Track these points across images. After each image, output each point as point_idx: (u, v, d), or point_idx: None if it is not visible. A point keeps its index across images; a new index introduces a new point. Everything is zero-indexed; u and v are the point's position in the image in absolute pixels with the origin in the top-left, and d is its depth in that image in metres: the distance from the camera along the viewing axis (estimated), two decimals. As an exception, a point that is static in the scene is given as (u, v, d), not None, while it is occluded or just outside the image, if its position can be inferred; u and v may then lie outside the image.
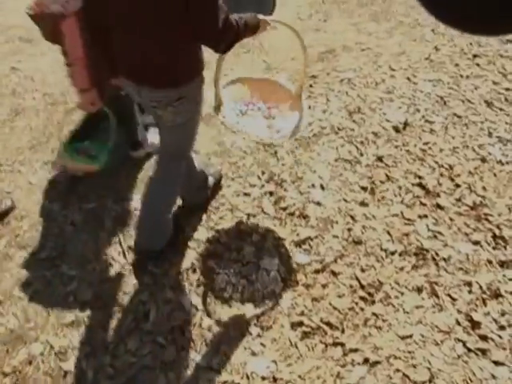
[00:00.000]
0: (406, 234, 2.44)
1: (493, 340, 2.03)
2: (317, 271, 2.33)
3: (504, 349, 2.00)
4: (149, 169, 2.87)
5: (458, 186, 2.63)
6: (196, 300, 2.25)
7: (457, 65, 3.45)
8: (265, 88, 2.35)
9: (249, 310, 2.21)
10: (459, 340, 2.05)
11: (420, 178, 2.69)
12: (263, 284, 2.30)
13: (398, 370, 1.98)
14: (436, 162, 2.76)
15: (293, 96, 2.31)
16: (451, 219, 2.48)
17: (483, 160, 2.75)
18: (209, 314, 2.21)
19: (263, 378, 2.00)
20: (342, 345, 2.07)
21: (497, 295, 2.17)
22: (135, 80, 1.91)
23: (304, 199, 2.65)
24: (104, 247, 2.51)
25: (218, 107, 2.16)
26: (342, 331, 2.11)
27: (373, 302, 2.20)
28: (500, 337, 2.03)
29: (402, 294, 2.21)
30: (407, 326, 2.11)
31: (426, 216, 2.51)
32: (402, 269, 2.30)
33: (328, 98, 3.28)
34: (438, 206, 2.55)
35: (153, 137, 2.84)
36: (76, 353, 2.12)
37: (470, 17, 0.54)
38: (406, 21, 3.96)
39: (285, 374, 2.00)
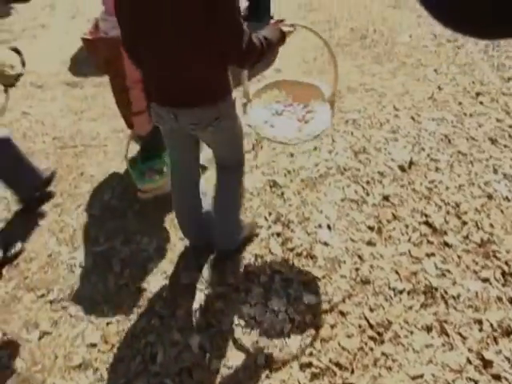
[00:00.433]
0: (414, 273, 2.48)
1: (506, 379, 2.03)
2: (325, 311, 2.36)
3: (517, 388, 2.01)
4: (156, 209, 2.95)
5: (465, 223, 2.68)
6: (204, 342, 2.29)
7: (460, 103, 3.55)
8: (303, 91, 2.46)
9: (257, 351, 2.24)
10: (471, 379, 2.05)
11: (427, 216, 2.75)
12: (271, 325, 2.33)
13: (409, 411, 1.98)
14: (442, 200, 2.82)
15: (326, 101, 2.39)
16: (459, 257, 2.52)
17: (489, 197, 2.81)
18: (217, 356, 2.24)
19: (272, 421, 2.01)
20: (352, 386, 2.08)
21: (508, 333, 2.18)
22: (173, 104, 2.01)
23: (311, 239, 2.71)
24: (112, 289, 2.57)
25: (245, 106, 2.31)
26: (352, 372, 2.13)
27: (382, 342, 2.22)
28: (513, 375, 2.04)
29: (412, 333, 2.24)
30: (417, 366, 2.12)
31: (433, 254, 2.55)
32: (410, 308, 2.33)
33: (333, 139, 3.38)
34: (446, 244, 2.59)
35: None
36: (84, 397, 2.16)
37: (469, 19, 0.54)
38: (408, 61, 4.10)
39: (294, 417, 2.01)
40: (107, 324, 2.42)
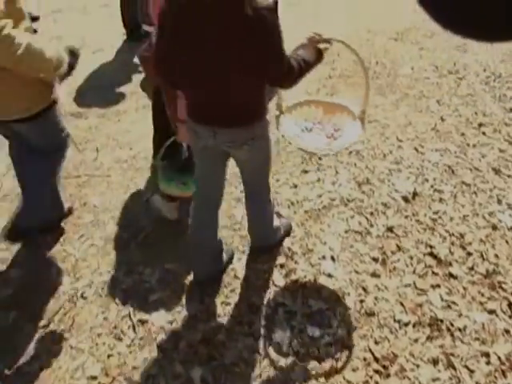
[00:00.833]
0: (420, 305, 2.48)
1: (514, 414, 2.03)
2: (329, 344, 2.35)
3: (526, 422, 1.99)
4: (159, 240, 2.98)
5: (469, 254, 2.69)
6: (206, 375, 2.28)
7: (463, 134, 3.61)
8: (332, 110, 2.55)
9: (260, 385, 2.23)
10: (479, 414, 2.04)
11: (431, 247, 2.76)
12: (275, 358, 2.32)
13: None
14: (447, 231, 2.84)
15: (355, 119, 2.46)
16: (465, 288, 2.53)
17: (494, 227, 2.82)
18: (219, 390, 2.23)
19: None
20: (358, 420, 2.07)
21: (516, 366, 2.18)
22: (211, 123, 2.10)
23: (315, 271, 2.72)
24: (114, 321, 2.57)
25: (278, 118, 2.42)
26: (357, 406, 2.12)
27: (388, 376, 2.21)
28: (521, 410, 2.03)
29: (418, 366, 2.23)
30: (424, 400, 2.11)
31: (438, 286, 2.56)
32: (416, 340, 2.33)
33: (337, 170, 3.42)
34: (451, 275, 2.60)
35: None
36: (84, 432, 2.14)
37: (470, 21, 0.53)
38: (411, 93, 4.17)
39: None
40: (108, 356, 2.41)
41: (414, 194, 3.13)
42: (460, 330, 2.34)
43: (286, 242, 2.89)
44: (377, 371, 2.23)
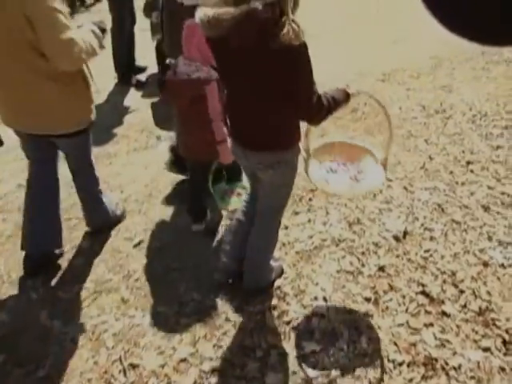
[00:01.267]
0: (413, 344, 2.49)
1: None
2: (323, 386, 2.35)
3: None
4: (149, 283, 2.98)
5: (462, 292, 2.72)
6: (199, 421, 2.26)
7: (451, 172, 3.68)
8: (356, 153, 2.70)
9: (254, 430, 2.22)
10: None
11: (423, 285, 2.79)
12: (268, 402, 2.31)
13: None
14: (438, 269, 2.87)
15: (378, 163, 2.60)
16: (458, 326, 2.54)
17: (485, 264, 2.86)
18: None
19: None
20: None
21: (512, 405, 2.18)
22: (244, 145, 2.33)
23: (307, 312, 2.73)
24: (104, 365, 2.55)
25: (306, 161, 2.57)
26: None
27: (383, 417, 2.20)
28: None
29: (413, 406, 2.22)
30: None
31: (431, 324, 2.57)
32: (411, 380, 2.33)
33: (327, 211, 3.47)
34: (444, 314, 2.62)
35: None
36: None
37: (473, 23, 0.55)
38: (399, 132, 4.26)
39: None
40: (99, 403, 2.39)
41: (405, 233, 3.17)
42: (455, 368, 2.35)
43: (278, 284, 2.90)
44: (372, 413, 2.22)
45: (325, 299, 2.79)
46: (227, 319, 2.73)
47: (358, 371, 2.39)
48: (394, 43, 6.27)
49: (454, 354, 2.42)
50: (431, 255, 2.98)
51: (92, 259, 3.23)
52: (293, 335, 2.61)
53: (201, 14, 1.95)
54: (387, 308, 2.70)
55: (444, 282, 2.79)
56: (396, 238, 3.15)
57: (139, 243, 3.30)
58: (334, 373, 2.39)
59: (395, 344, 2.50)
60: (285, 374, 2.41)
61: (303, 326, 2.65)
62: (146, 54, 6.04)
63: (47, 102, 2.67)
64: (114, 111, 5.24)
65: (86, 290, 3.00)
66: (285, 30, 1.83)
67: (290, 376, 2.40)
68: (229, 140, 2.49)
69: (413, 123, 4.44)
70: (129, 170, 4.15)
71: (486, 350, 2.42)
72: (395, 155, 3.98)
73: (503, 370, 2.33)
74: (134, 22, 5.74)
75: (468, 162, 3.77)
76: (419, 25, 6.83)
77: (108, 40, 5.18)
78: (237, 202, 3.29)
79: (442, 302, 2.68)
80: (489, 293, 2.69)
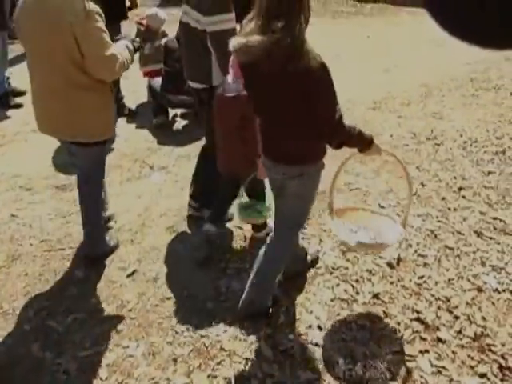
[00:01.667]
0: (409, 371, 2.49)
1: None
2: (320, 415, 2.34)
3: None
4: (143, 313, 2.98)
5: (457, 317, 2.74)
6: None
7: (443, 198, 3.73)
8: (375, 217, 2.88)
9: None
10: None
11: (418, 312, 2.80)
12: (264, 432, 2.30)
13: None
14: (432, 296, 2.89)
15: (396, 224, 2.76)
16: (454, 352, 2.55)
17: (479, 290, 2.89)
18: None
19: None
20: None
21: (510, 432, 2.18)
22: (274, 159, 2.51)
23: (302, 341, 2.73)
24: (98, 397, 2.53)
25: (331, 215, 2.82)
26: None
27: None
28: None
29: None
30: None
31: (427, 351, 2.58)
32: (408, 408, 2.33)
33: (321, 239, 3.49)
34: (439, 340, 2.63)
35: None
36: None
37: (473, 27, 0.55)
38: (390, 160, 4.32)
39: None
40: None
41: (399, 260, 3.20)
42: (452, 395, 2.35)
43: (272, 312, 2.90)
44: None
45: (319, 327, 2.80)
46: (222, 349, 2.72)
47: (355, 400, 2.39)
48: (384, 72, 6.40)
49: (451, 380, 2.42)
50: (425, 281, 3.00)
51: (85, 289, 3.22)
52: (288, 364, 2.61)
53: (234, 42, 2.17)
54: (382, 335, 2.70)
55: (439, 308, 2.81)
56: (390, 265, 3.17)
57: (133, 273, 3.30)
58: (330, 402, 2.39)
59: (391, 372, 2.50)
60: (280, 404, 2.40)
61: (298, 354, 2.65)
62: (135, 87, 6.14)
63: (83, 112, 2.93)
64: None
65: (78, 321, 2.98)
66: (306, 54, 2.06)
67: (285, 406, 2.40)
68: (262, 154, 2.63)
69: (404, 150, 4.51)
70: (122, 199, 4.17)
71: (483, 375, 2.43)
72: (387, 182, 4.03)
73: (500, 396, 2.33)
74: None
75: (460, 188, 3.83)
76: (409, 54, 7.00)
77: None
78: (256, 216, 3.36)
79: (437, 329, 2.69)
80: (484, 318, 2.71)
